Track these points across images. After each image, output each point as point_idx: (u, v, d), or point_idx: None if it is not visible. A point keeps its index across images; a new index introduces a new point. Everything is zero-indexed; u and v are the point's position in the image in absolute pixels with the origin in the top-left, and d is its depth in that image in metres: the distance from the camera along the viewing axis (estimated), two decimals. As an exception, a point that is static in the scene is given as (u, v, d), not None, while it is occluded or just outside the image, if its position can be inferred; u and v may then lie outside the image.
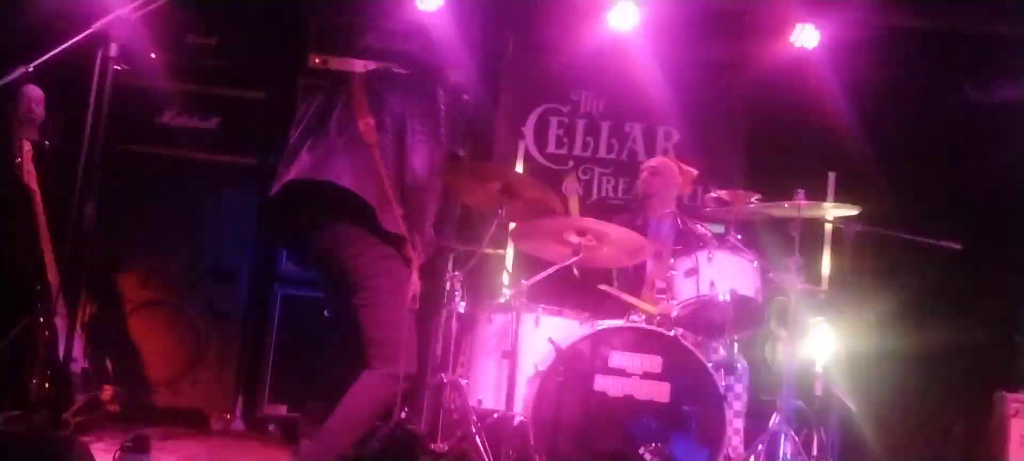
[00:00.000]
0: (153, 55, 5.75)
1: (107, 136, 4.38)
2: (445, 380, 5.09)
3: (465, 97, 6.11)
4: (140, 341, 5.46)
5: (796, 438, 4.76)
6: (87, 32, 4.16)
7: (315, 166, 3.92)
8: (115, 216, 5.41)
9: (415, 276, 3.99)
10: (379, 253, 3.91)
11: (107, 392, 5.20)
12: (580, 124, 6.65)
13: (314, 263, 4.19)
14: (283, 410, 5.54)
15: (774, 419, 4.76)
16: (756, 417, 5.02)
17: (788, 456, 4.69)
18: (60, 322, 4.68)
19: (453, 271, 5.31)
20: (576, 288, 5.52)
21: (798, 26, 6.15)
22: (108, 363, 5.23)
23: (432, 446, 4.99)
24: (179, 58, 5.84)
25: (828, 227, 5.92)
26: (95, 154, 4.32)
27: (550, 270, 4.91)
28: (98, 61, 4.27)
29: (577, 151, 6.63)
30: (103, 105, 4.35)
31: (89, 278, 5.12)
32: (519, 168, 6.41)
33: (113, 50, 4.31)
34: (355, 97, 4.04)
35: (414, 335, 4.00)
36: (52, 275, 4.74)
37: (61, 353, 4.53)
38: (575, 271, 5.11)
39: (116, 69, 4.39)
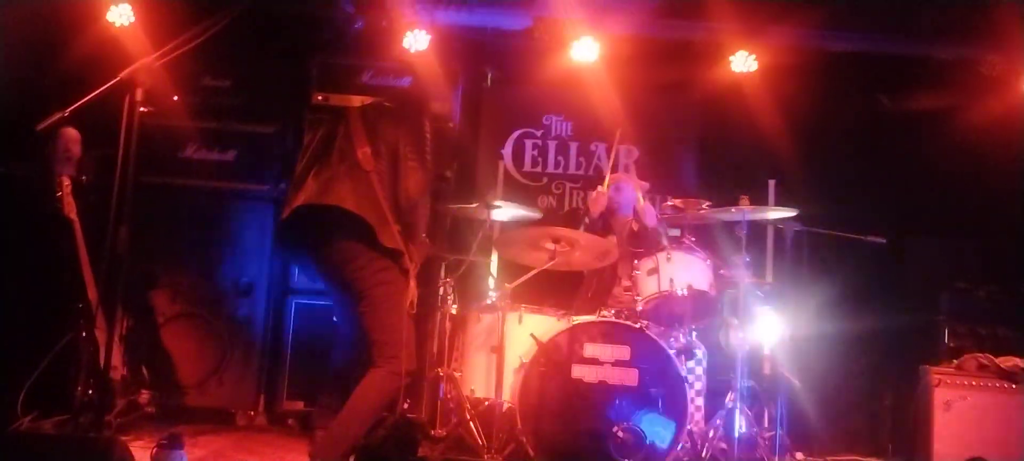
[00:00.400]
0: (175, 97, 5.72)
1: (136, 170, 4.35)
2: (441, 373, 5.07)
3: (450, 125, 6.12)
4: (172, 349, 5.42)
5: (749, 413, 4.77)
6: (116, 79, 4.14)
7: (320, 191, 3.91)
8: (147, 241, 5.41)
9: (412, 284, 3.98)
10: (379, 266, 3.91)
11: (144, 396, 5.16)
12: (552, 145, 6.65)
13: (323, 276, 4.17)
14: (300, 405, 5.51)
15: (730, 397, 4.77)
16: (714, 395, 5.02)
17: (743, 429, 4.70)
18: (100, 335, 4.66)
19: (445, 277, 5.30)
20: (553, 289, 5.52)
21: (740, 53, 6.15)
22: (144, 370, 5.20)
23: (432, 432, 4.98)
24: (198, 99, 5.81)
25: (770, 228, 5.93)
26: (126, 186, 4.29)
27: (530, 274, 4.91)
28: (126, 104, 4.24)
29: (550, 169, 6.62)
30: (132, 143, 4.32)
31: (125, 295, 5.10)
32: (499, 185, 6.40)
33: (139, 94, 4.28)
34: (353, 129, 4.03)
35: (413, 336, 3.98)
36: (92, 294, 4.71)
37: (102, 362, 4.48)
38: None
39: (142, 111, 4.36)
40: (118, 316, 5.06)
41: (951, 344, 5.59)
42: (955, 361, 5.33)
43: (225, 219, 5.67)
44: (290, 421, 5.34)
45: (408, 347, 3.88)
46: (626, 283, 5.16)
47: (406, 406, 5.11)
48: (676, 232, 5.60)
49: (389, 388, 3.92)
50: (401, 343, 3.87)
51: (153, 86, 4.64)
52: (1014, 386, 5.12)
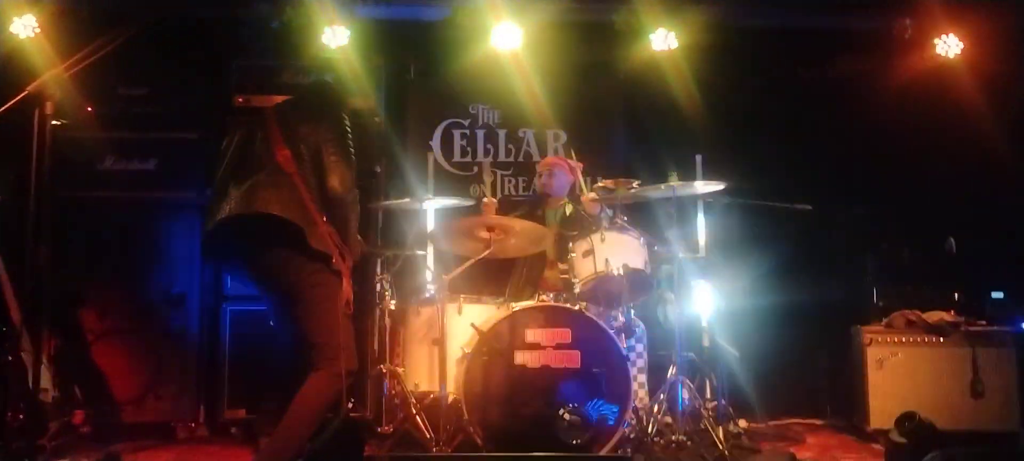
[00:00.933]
0: (89, 108, 5.54)
1: (53, 186, 4.22)
2: (384, 370, 5.04)
3: (376, 119, 6.06)
4: (104, 366, 5.26)
5: (692, 385, 4.85)
6: (21, 95, 4.01)
7: (245, 201, 3.83)
8: (70, 257, 5.26)
9: (347, 283, 3.93)
10: (311, 269, 3.85)
11: (78, 416, 5.04)
12: (480, 134, 6.64)
13: (255, 283, 4.10)
14: (242, 413, 5.41)
15: (671, 371, 4.84)
16: (656, 371, 5.10)
17: (686, 401, 4.78)
18: (27, 357, 4.50)
19: (381, 273, 5.26)
20: (489, 278, 5.53)
21: (660, 31, 6.22)
22: (77, 390, 5.06)
23: (378, 430, 4.95)
24: (113, 109, 5.63)
25: (700, 202, 6.02)
26: (43, 203, 4.16)
27: (467, 264, 4.91)
28: (36, 118, 4.12)
29: (479, 158, 6.61)
30: (45, 158, 4.19)
31: (50, 315, 4.93)
32: (429, 177, 6.37)
33: (49, 108, 4.15)
34: (271, 132, 3.95)
35: (351, 335, 3.94)
36: (15, 316, 4.56)
37: (31, 385, 4.35)
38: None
39: (54, 124, 4.23)
40: (44, 337, 4.89)
41: (880, 304, 5.75)
42: (884, 320, 5.50)
43: (151, 229, 5.51)
44: (233, 430, 5.25)
45: (347, 347, 3.84)
46: (562, 266, 5.19)
47: (350, 406, 5.07)
48: (609, 212, 5.65)
49: (330, 390, 3.87)
50: (339, 345, 3.83)
51: (64, 98, 4.51)
52: (942, 339, 5.31)
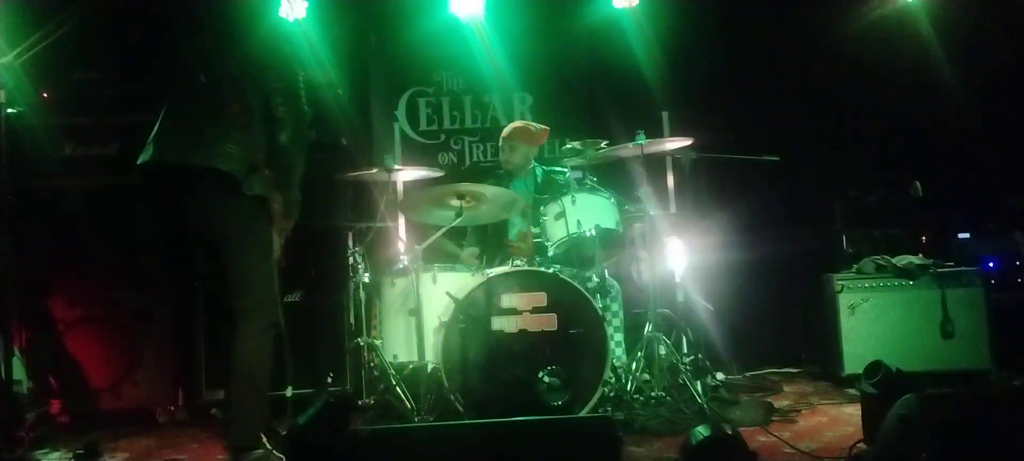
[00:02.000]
0: (45, 95, 5.46)
1: (13, 175, 4.16)
2: (362, 343, 5.05)
3: (338, 92, 6.03)
4: (78, 355, 5.20)
5: (668, 341, 4.90)
6: (-29, 87, 3.95)
7: (186, 146, 3.83)
8: (36, 247, 5.18)
9: (277, 238, 3.97)
10: (244, 215, 3.86)
11: (55, 406, 5.00)
12: (445, 101, 6.64)
13: (184, 228, 4.05)
14: (221, 394, 5.38)
15: (648, 328, 4.89)
16: (632, 329, 5.14)
17: (664, 357, 4.83)
18: (-2, 351, 4.46)
19: (354, 246, 5.25)
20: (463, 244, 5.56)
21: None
22: (51, 380, 5.02)
23: (359, 403, 4.97)
24: (69, 94, 5.54)
25: (669, 159, 6.07)
26: (3, 194, 4.10)
27: (439, 233, 4.92)
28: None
29: (446, 125, 6.61)
30: (2, 147, 4.13)
31: (19, 306, 4.87)
32: (396, 147, 6.36)
33: (3, 96, 4.09)
34: (222, 82, 3.94)
35: (277, 290, 3.96)
36: (-18, 310, 4.50)
37: (3, 378, 4.31)
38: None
39: (9, 112, 4.17)
40: (14, 328, 4.84)
41: (850, 250, 5.83)
42: (855, 266, 5.58)
43: (116, 214, 5.45)
44: (213, 411, 5.23)
45: (274, 302, 3.90)
46: (534, 230, 5.21)
47: (330, 380, 5.10)
48: (578, 174, 5.67)
49: (265, 344, 3.88)
50: (268, 291, 3.86)
51: (16, 86, 4.44)
52: (911, 282, 5.40)
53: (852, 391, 5.05)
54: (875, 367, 3.84)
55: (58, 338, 5.19)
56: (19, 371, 4.69)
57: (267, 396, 3.97)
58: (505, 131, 5.58)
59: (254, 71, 3.97)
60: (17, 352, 4.76)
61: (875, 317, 5.37)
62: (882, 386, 3.73)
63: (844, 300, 5.40)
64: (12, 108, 4.25)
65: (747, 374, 5.78)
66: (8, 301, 4.66)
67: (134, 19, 5.76)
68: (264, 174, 3.89)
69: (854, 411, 4.48)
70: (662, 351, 4.83)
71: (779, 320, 6.19)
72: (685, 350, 5.23)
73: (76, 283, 5.32)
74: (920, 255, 5.55)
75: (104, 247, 5.42)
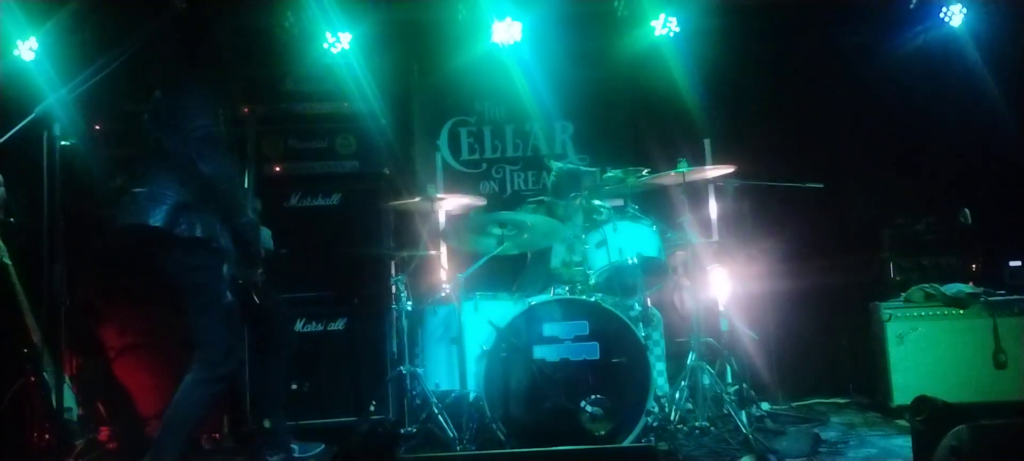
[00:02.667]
0: (97, 127, 5.59)
1: (66, 205, 4.25)
2: (404, 372, 5.06)
3: (381, 121, 6.09)
4: (127, 382, 5.30)
5: (711, 370, 4.86)
6: (29, 118, 4.04)
7: (122, 209, 3.91)
8: (87, 276, 5.29)
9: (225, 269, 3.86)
10: (182, 266, 3.81)
11: (104, 433, 5.07)
12: (487, 131, 6.67)
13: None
14: (266, 422, 5.44)
15: (691, 357, 4.85)
16: (675, 358, 5.11)
17: (708, 387, 4.78)
18: (49, 377, 4.53)
19: (397, 275, 5.28)
20: (505, 274, 5.56)
21: (661, 16, 6.24)
22: (101, 407, 5.09)
23: (401, 431, 4.97)
24: (120, 126, 5.66)
25: (711, 186, 6.03)
26: (57, 223, 4.19)
27: (481, 261, 4.93)
28: (45, 139, 4.14)
29: (487, 154, 6.64)
30: (56, 178, 4.22)
31: (70, 334, 4.97)
32: (438, 176, 6.40)
33: (57, 129, 4.18)
34: (157, 116, 3.95)
35: (234, 330, 3.88)
36: (35, 336, 4.59)
37: (55, 405, 4.38)
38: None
39: (63, 144, 4.26)
40: (66, 356, 4.94)
41: (898, 278, 5.76)
42: (903, 294, 5.49)
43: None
44: (258, 439, 5.28)
45: (230, 348, 3.83)
46: (576, 259, 5.19)
47: (372, 408, 5.11)
48: (619, 202, 5.66)
49: (204, 396, 3.81)
50: (215, 344, 3.77)
51: (71, 119, 4.54)
52: (961, 311, 5.30)
53: (902, 422, 4.95)
54: (921, 403, 3.75)
55: (107, 365, 5.28)
56: (69, 398, 4.76)
57: (187, 440, 3.92)
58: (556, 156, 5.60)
59: (167, 109, 3.93)
60: (67, 379, 4.85)
61: (925, 347, 5.28)
62: (929, 423, 3.64)
63: (892, 329, 5.31)
64: (66, 140, 4.34)
65: (793, 404, 5.69)
66: (60, 328, 4.75)
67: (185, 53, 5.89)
68: (204, 211, 3.84)
69: (905, 443, 4.39)
70: (706, 380, 4.79)
71: (826, 349, 6.10)
72: (729, 379, 5.17)
73: (126, 311, 5.42)
74: (970, 283, 5.45)
75: (152, 275, 5.50)
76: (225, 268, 3.85)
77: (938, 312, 5.33)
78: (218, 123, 3.87)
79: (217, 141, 3.83)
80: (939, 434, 3.22)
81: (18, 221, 4.97)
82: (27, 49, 5.70)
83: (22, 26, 5.67)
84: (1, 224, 4.76)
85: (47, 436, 4.38)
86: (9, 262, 4.71)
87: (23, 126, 4.08)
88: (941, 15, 6.24)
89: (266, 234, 4.36)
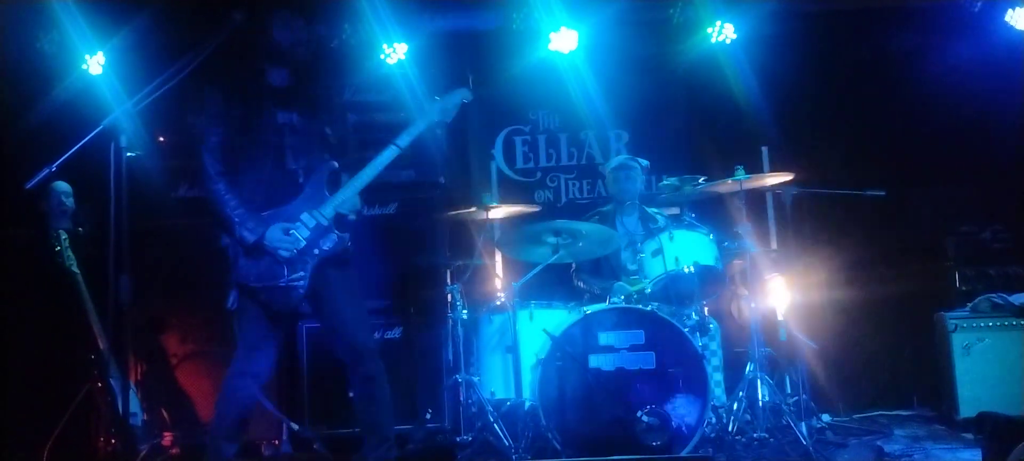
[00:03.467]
0: (161, 139, 5.72)
1: (132, 215, 4.35)
2: (460, 380, 5.07)
3: (437, 131, 6.12)
4: (189, 388, 5.42)
5: (770, 381, 4.79)
6: (97, 129, 4.13)
7: None
8: (151, 284, 5.41)
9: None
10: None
11: (167, 438, 5.17)
12: (541, 139, 6.67)
13: None
14: (325, 429, 5.50)
15: (749, 367, 4.78)
16: (733, 368, 5.05)
17: (766, 398, 4.71)
18: (115, 383, 4.64)
19: (452, 284, 5.30)
20: (560, 282, 5.54)
21: (718, 23, 6.18)
22: (164, 413, 5.20)
23: (457, 439, 4.99)
24: (183, 138, 5.78)
25: (769, 194, 5.95)
26: (123, 233, 4.29)
27: (536, 269, 4.92)
28: (112, 151, 4.24)
29: (542, 163, 6.64)
30: (122, 189, 4.32)
31: (135, 341, 5.09)
32: (494, 184, 6.42)
33: (123, 140, 4.28)
34: None
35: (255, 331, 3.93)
36: (102, 343, 4.71)
37: (120, 410, 4.48)
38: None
39: (129, 155, 4.36)
40: (131, 362, 5.06)
41: (963, 288, 5.62)
42: (969, 304, 5.35)
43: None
44: (316, 445, 5.33)
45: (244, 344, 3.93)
46: (632, 268, 5.17)
47: (429, 416, 5.13)
48: (675, 210, 5.62)
49: (226, 387, 3.94)
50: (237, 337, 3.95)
51: (136, 130, 4.65)
52: (1030, 322, 5.15)
53: (968, 435, 4.82)
54: (984, 418, 3.65)
55: (171, 372, 5.40)
56: (134, 404, 4.87)
57: (232, 425, 3.95)
58: (614, 161, 5.56)
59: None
60: (132, 385, 4.96)
61: (992, 358, 5.13)
62: (995, 438, 3.54)
63: (958, 340, 5.18)
64: (131, 152, 4.45)
65: (855, 416, 5.57)
66: (126, 336, 4.87)
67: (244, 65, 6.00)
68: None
69: (973, 456, 4.28)
70: (764, 391, 4.72)
71: (889, 360, 5.97)
72: (788, 390, 5.10)
73: (188, 318, 5.53)
74: (1039, 294, 5.28)
75: (213, 283, 5.60)
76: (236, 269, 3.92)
77: (1006, 323, 5.18)
78: (212, 125, 3.92)
79: (205, 142, 3.90)
80: (1007, 448, 3.12)
81: (86, 231, 5.11)
82: (95, 64, 5.86)
83: (90, 42, 5.83)
84: (70, 234, 4.89)
85: (113, 441, 4.48)
86: (77, 271, 4.84)
87: (91, 138, 4.17)
88: (1006, 18, 6.08)
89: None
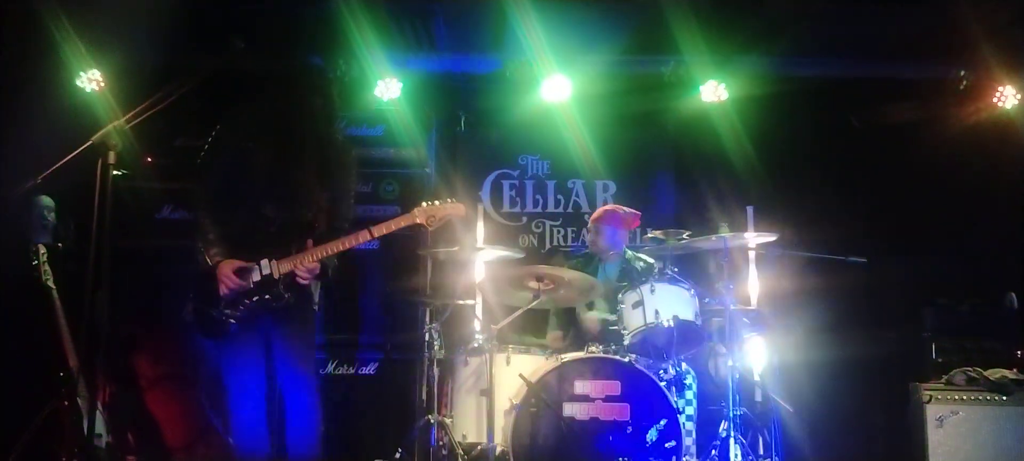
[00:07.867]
0: (148, 159, 5.69)
1: (113, 234, 4.31)
2: (432, 420, 5.02)
3: (426, 170, 6.13)
4: (157, 413, 5.33)
5: (744, 441, 4.75)
6: (85, 145, 4.11)
7: None
8: (126, 304, 5.34)
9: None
10: None
11: (129, 463, 5.09)
12: (529, 185, 6.67)
13: None
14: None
15: (723, 425, 4.74)
16: (706, 425, 5.00)
17: (738, 458, 4.67)
18: (83, 403, 4.56)
19: (430, 323, 5.26)
20: (538, 327, 5.51)
21: (710, 82, 6.22)
22: (130, 436, 5.11)
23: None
24: (171, 160, 5.77)
25: (752, 253, 5.95)
26: (103, 251, 4.24)
27: (515, 314, 4.89)
28: (99, 168, 4.21)
29: (528, 208, 6.63)
30: (107, 207, 4.28)
31: (106, 361, 5.00)
32: (480, 227, 6.40)
33: (111, 158, 4.25)
34: None
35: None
36: (73, 362, 4.63)
37: (86, 431, 4.40)
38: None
39: (116, 174, 4.33)
40: (100, 383, 4.97)
41: (939, 360, 5.58)
42: (944, 376, 5.31)
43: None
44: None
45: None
46: (611, 318, 5.15)
47: (399, 455, 5.07)
48: (658, 263, 5.60)
49: None
50: None
51: (124, 149, 4.62)
52: (1005, 398, 5.12)
53: (938, 507, 4.78)
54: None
55: (140, 395, 5.32)
56: (99, 426, 4.78)
57: None
58: (600, 211, 5.55)
59: None
60: (99, 407, 4.87)
61: (965, 431, 5.08)
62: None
63: (932, 411, 5.13)
64: (119, 170, 4.43)
65: (826, 481, 5.54)
66: (98, 355, 4.79)
67: (237, 93, 6.00)
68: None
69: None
70: (737, 451, 4.67)
71: (861, 427, 5.93)
72: (760, 451, 5.04)
73: (161, 341, 5.46)
74: (1015, 370, 5.26)
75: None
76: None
77: (981, 398, 5.14)
78: (212, 151, 4.18)
79: (199, 168, 4.15)
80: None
81: (66, 247, 5.05)
82: (89, 80, 5.84)
83: (86, 59, 5.82)
84: (49, 249, 4.83)
85: (75, 461, 4.39)
86: (53, 286, 4.77)
87: (80, 153, 4.15)
88: (994, 98, 6.14)
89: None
